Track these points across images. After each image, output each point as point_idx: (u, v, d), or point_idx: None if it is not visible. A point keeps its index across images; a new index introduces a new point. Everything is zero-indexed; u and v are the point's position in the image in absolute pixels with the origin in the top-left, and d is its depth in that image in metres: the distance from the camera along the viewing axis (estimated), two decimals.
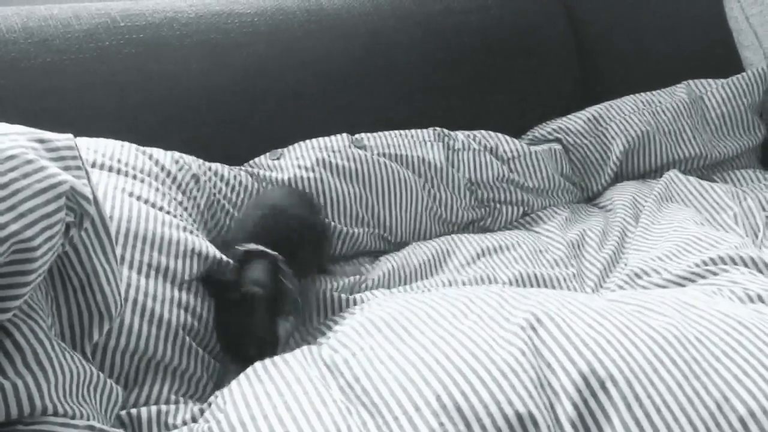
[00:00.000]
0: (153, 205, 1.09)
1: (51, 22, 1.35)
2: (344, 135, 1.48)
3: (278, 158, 1.42)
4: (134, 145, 1.21)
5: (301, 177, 1.38)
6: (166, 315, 0.97)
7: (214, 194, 1.26)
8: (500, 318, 0.84)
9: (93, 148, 1.15)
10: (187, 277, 1.02)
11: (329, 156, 1.41)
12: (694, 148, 1.66)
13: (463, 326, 0.83)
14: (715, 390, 0.72)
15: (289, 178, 1.37)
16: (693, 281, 1.12)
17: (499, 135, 1.62)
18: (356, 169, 1.42)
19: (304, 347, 0.92)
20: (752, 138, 1.71)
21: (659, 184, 1.53)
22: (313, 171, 1.39)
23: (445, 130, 1.55)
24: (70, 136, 0.78)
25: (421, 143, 1.51)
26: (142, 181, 1.13)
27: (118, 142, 1.19)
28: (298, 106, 1.55)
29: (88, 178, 0.77)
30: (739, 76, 1.73)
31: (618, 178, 1.67)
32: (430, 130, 1.54)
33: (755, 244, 1.29)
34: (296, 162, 1.40)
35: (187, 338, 0.97)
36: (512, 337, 0.80)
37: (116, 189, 1.07)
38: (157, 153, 1.22)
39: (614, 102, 1.72)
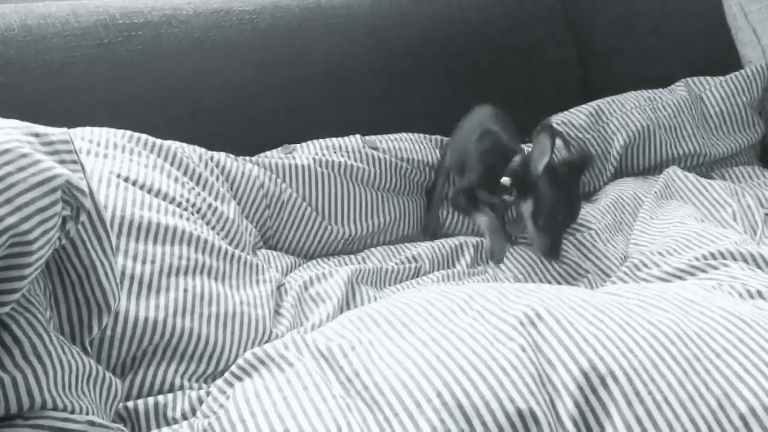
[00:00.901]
0: (149, 191, 1.09)
1: (49, 20, 1.35)
2: (357, 137, 1.49)
3: (290, 152, 1.42)
4: (128, 131, 1.21)
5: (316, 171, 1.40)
6: (162, 301, 0.97)
7: (216, 175, 1.28)
8: (500, 314, 0.84)
9: (88, 137, 1.15)
10: (184, 262, 1.03)
11: (343, 157, 1.44)
12: (694, 144, 1.66)
13: (463, 323, 0.83)
14: (716, 387, 0.72)
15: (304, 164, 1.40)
16: (693, 275, 1.12)
17: None
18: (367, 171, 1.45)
19: (294, 333, 0.92)
20: (751, 135, 1.71)
21: (659, 181, 1.52)
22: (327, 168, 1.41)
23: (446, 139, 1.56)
24: (65, 129, 0.78)
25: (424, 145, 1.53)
26: (138, 163, 1.14)
27: (111, 129, 1.20)
28: (296, 103, 1.55)
29: (84, 172, 0.77)
30: (737, 73, 1.73)
31: (618, 173, 1.67)
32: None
33: (754, 240, 1.29)
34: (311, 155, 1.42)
35: (187, 320, 0.98)
36: (513, 333, 0.80)
37: (111, 174, 1.07)
38: (152, 138, 1.24)
39: (616, 97, 1.72)
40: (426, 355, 0.77)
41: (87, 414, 0.73)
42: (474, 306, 0.87)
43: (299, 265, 1.32)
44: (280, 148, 1.44)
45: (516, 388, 0.72)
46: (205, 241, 1.08)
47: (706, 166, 1.69)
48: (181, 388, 0.93)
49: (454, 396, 0.72)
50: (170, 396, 0.90)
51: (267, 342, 1.02)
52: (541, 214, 1.23)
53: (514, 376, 0.73)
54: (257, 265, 1.15)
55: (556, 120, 1.70)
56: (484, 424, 0.69)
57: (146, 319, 0.94)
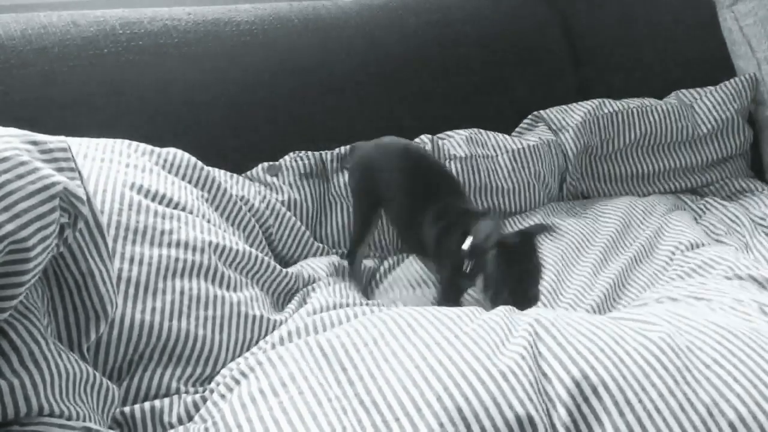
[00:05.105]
0: (146, 194, 1.10)
1: (50, 30, 1.36)
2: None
3: (275, 174, 1.43)
4: (126, 140, 1.22)
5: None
6: (158, 303, 0.98)
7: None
8: (503, 325, 0.86)
9: (86, 144, 1.16)
10: (180, 264, 1.03)
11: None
12: (685, 151, 1.68)
13: (467, 329, 0.84)
14: (706, 396, 0.73)
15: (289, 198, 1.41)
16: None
17: (490, 133, 1.63)
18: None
19: (293, 328, 0.93)
20: (741, 143, 1.73)
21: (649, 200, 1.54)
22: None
23: (434, 139, 1.55)
24: (63, 138, 0.78)
25: None
26: (135, 167, 1.14)
27: (110, 140, 1.20)
28: (295, 113, 1.55)
29: (81, 179, 0.77)
30: (727, 82, 1.75)
31: (611, 179, 1.69)
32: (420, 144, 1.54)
33: (747, 250, 1.30)
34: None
35: (183, 322, 0.98)
36: (514, 342, 0.81)
37: (108, 179, 1.08)
38: (150, 146, 1.24)
39: (607, 100, 1.73)
40: (429, 359, 0.79)
41: (84, 420, 0.73)
42: (479, 316, 0.89)
43: None
44: (266, 168, 1.44)
45: (515, 395, 0.73)
46: (203, 241, 1.08)
47: (698, 174, 1.71)
48: (177, 391, 0.93)
49: (454, 400, 0.73)
50: (166, 401, 0.91)
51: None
52: (489, 289, 1.13)
53: (514, 383, 0.75)
54: (263, 260, 1.16)
55: (553, 122, 1.71)
56: (482, 428, 0.70)
57: (142, 323, 0.95)
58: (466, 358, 0.78)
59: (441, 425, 0.71)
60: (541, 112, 1.73)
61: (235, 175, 1.37)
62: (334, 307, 1.11)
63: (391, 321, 0.88)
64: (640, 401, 0.73)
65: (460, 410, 0.72)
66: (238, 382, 0.87)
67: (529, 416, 0.72)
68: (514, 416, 0.71)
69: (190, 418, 0.89)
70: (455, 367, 0.77)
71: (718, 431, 0.71)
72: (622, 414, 0.72)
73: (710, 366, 0.77)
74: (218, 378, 0.92)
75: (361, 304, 1.13)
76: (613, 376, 0.75)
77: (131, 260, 0.99)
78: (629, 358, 0.77)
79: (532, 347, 0.80)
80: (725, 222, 1.48)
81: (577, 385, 0.74)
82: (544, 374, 0.77)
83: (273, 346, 0.94)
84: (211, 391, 0.90)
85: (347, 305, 1.12)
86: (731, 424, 0.71)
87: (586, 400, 0.73)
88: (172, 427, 0.88)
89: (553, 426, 0.72)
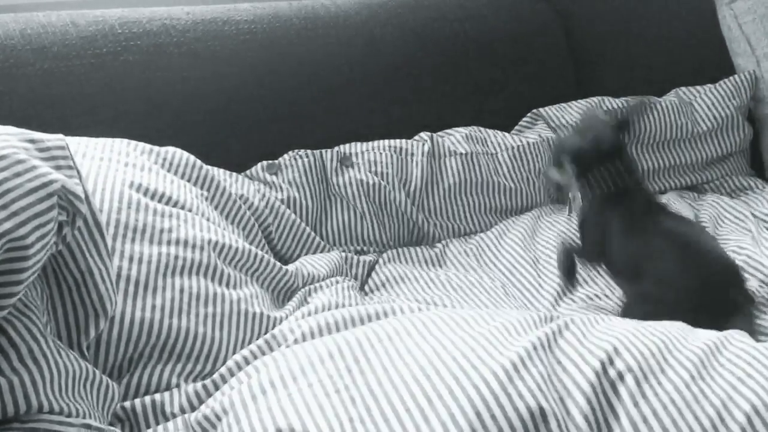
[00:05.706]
0: (145, 192, 1.09)
1: (49, 29, 1.36)
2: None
3: (275, 173, 1.43)
4: (125, 139, 1.22)
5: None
6: (158, 301, 0.97)
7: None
8: (519, 327, 0.86)
9: (84, 143, 1.16)
10: (180, 262, 1.03)
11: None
12: (685, 149, 1.68)
13: (483, 329, 0.85)
14: (720, 390, 0.75)
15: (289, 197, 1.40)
16: None
17: (489, 130, 1.62)
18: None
19: (303, 322, 0.94)
20: (741, 140, 1.73)
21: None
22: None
23: (433, 136, 1.55)
24: (61, 136, 0.78)
25: (408, 157, 1.51)
26: (134, 166, 1.14)
27: (108, 139, 1.20)
28: (294, 112, 1.55)
29: (80, 177, 0.77)
30: (727, 79, 1.75)
31: None
32: (419, 142, 1.54)
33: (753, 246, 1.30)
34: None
35: (183, 320, 0.98)
36: (525, 339, 0.82)
37: (106, 177, 1.08)
38: (149, 145, 1.24)
39: (606, 98, 1.73)
40: (442, 355, 0.79)
41: (83, 417, 0.73)
42: (497, 318, 0.89)
43: None
44: (265, 166, 1.44)
45: (525, 385, 0.74)
46: (203, 239, 1.08)
47: (698, 172, 1.70)
48: (178, 386, 0.93)
49: (465, 392, 0.73)
50: (167, 394, 0.91)
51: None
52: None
53: (524, 373, 0.75)
54: (263, 258, 1.16)
55: (552, 119, 1.71)
56: (493, 417, 0.71)
57: (142, 320, 0.94)
58: (479, 354, 0.78)
59: (452, 416, 0.71)
60: (540, 110, 1.72)
61: (234, 174, 1.37)
62: (336, 307, 1.10)
63: (408, 321, 0.88)
64: (656, 394, 0.74)
65: (471, 400, 0.72)
66: (249, 375, 0.87)
67: (540, 407, 0.72)
68: (525, 406, 0.72)
69: (193, 409, 0.89)
70: (467, 362, 0.77)
71: (732, 421, 0.72)
72: (637, 405, 0.73)
73: (724, 365, 0.78)
74: (223, 370, 0.93)
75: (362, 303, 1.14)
76: (631, 367, 0.76)
77: (131, 258, 0.99)
78: (648, 351, 0.79)
79: (548, 338, 0.81)
80: (728, 218, 1.48)
81: (597, 375, 0.76)
82: (559, 362, 0.78)
83: (283, 334, 0.94)
84: (223, 381, 0.90)
85: (349, 305, 1.12)
86: (747, 414, 0.72)
87: (604, 391, 0.75)
88: (174, 417, 0.88)
89: (569, 413, 0.73)
